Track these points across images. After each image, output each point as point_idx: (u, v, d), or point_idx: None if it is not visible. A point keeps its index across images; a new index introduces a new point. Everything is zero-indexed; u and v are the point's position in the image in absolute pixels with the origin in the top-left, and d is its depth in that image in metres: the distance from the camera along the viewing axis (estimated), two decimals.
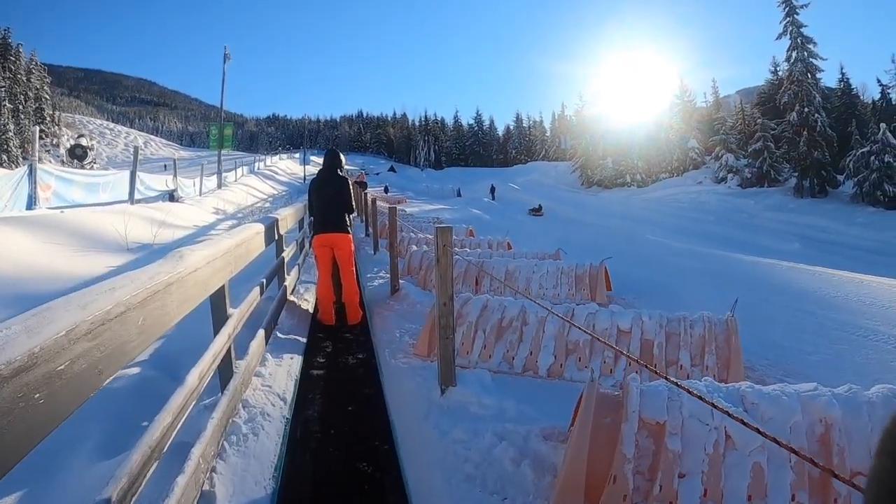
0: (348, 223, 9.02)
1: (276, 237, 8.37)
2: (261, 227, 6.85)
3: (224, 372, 4.79)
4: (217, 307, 4.74)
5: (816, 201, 48.78)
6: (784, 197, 51.33)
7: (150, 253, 12.74)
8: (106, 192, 19.24)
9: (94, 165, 55.94)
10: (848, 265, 23.08)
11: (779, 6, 54.50)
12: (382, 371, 6.54)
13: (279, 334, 7.40)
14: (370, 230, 19.15)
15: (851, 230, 39.88)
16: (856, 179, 46.39)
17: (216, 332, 4.51)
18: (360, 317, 8.87)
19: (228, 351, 4.73)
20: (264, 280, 7.01)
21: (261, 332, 6.14)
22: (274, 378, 5.79)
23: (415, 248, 12.90)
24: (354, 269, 9.25)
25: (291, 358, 6.70)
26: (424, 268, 11.14)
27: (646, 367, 2.78)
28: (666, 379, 2.53)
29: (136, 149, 22.63)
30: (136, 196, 21.13)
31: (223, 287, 4.68)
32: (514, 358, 6.24)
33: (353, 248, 9.12)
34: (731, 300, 6.39)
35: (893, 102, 61.07)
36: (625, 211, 52.52)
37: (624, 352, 3.52)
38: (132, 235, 13.85)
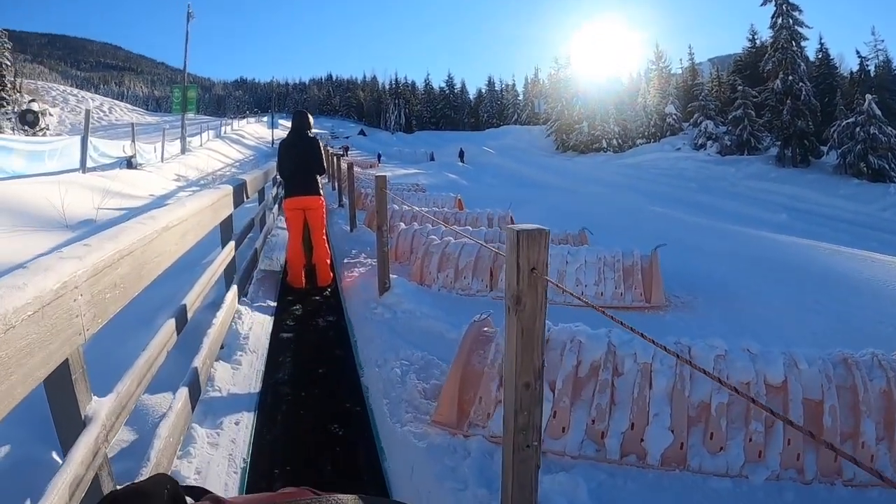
0: (320, 185, 8.87)
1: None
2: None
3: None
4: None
5: (799, 171, 48.50)
6: (765, 165, 50.98)
7: (91, 230, 10.42)
8: (53, 161, 16.96)
9: (47, 132, 52.53)
10: (837, 238, 23.04)
11: None
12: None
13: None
14: (344, 200, 16.53)
15: (835, 201, 39.57)
16: (840, 150, 46.32)
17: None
18: (331, 279, 8.86)
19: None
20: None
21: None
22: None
23: (402, 225, 10.42)
24: (325, 231, 9.24)
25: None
26: (419, 253, 8.63)
27: (828, 445, 1.64)
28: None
29: (87, 112, 20.78)
30: (90, 164, 18.80)
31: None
32: (605, 434, 3.84)
33: (324, 211, 9.12)
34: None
35: (872, 74, 61.09)
36: (605, 177, 51.37)
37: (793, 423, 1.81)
38: (77, 209, 12.26)
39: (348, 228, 12.60)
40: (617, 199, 30.29)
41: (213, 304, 5.75)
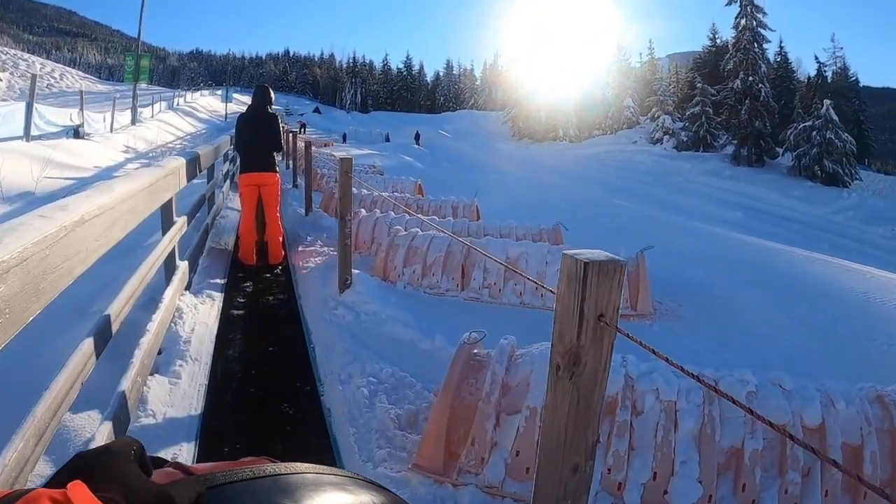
0: (276, 162, 8.82)
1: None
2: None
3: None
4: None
5: (754, 170, 49.11)
6: (721, 163, 51.40)
7: (28, 203, 10.52)
8: None
9: None
10: (791, 239, 23.31)
11: None
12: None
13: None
14: (299, 181, 15.70)
15: (789, 202, 40.29)
16: (795, 153, 47.00)
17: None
18: (282, 257, 8.83)
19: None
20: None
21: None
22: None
23: (363, 212, 9.58)
24: (279, 209, 9.19)
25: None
26: (384, 245, 7.81)
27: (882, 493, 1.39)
28: None
29: (33, 77, 19.55)
30: (34, 132, 17.72)
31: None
32: (623, 486, 3.23)
33: (279, 188, 9.10)
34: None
35: (829, 80, 62.56)
36: (562, 166, 51.10)
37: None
38: (15, 179, 11.86)
39: (303, 211, 11.78)
40: (577, 190, 30.09)
41: (151, 301, 5.03)
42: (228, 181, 13.40)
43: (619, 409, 3.38)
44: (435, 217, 10.02)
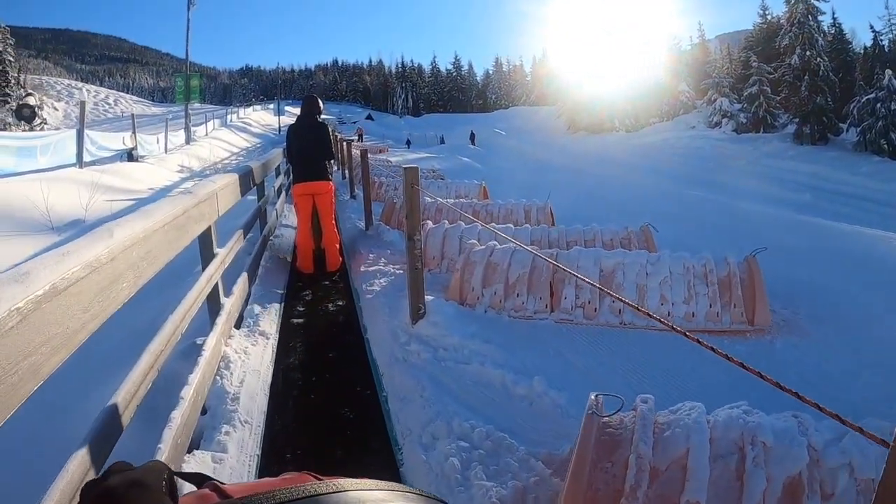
0: (329, 170, 8.96)
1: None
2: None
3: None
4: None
5: (817, 148, 46.78)
6: (783, 143, 49.26)
7: (79, 231, 10.03)
8: (46, 156, 15.98)
9: (45, 126, 51.19)
10: (866, 219, 21.55)
11: None
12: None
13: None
14: (357, 191, 14.97)
15: (856, 180, 37.71)
16: (860, 127, 44.76)
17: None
18: (340, 263, 8.91)
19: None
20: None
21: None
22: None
23: (429, 223, 8.60)
24: (334, 215, 9.30)
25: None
26: (458, 264, 6.79)
27: None
28: None
29: (82, 103, 19.32)
30: (88, 158, 17.92)
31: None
32: None
33: (333, 196, 9.26)
34: None
35: (886, 49, 59.47)
36: (621, 158, 49.07)
37: None
38: (66, 208, 11.58)
39: (363, 225, 10.92)
40: (643, 181, 28.81)
41: (192, 348, 4.32)
42: (283, 195, 12.75)
43: (805, 495, 2.44)
44: (510, 225, 8.94)
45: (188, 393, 3.41)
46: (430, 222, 8.63)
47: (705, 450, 2.58)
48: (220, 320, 4.67)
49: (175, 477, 0.67)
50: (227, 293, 5.30)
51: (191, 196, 4.06)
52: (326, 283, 8.24)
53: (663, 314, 5.89)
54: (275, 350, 5.46)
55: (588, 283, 3.13)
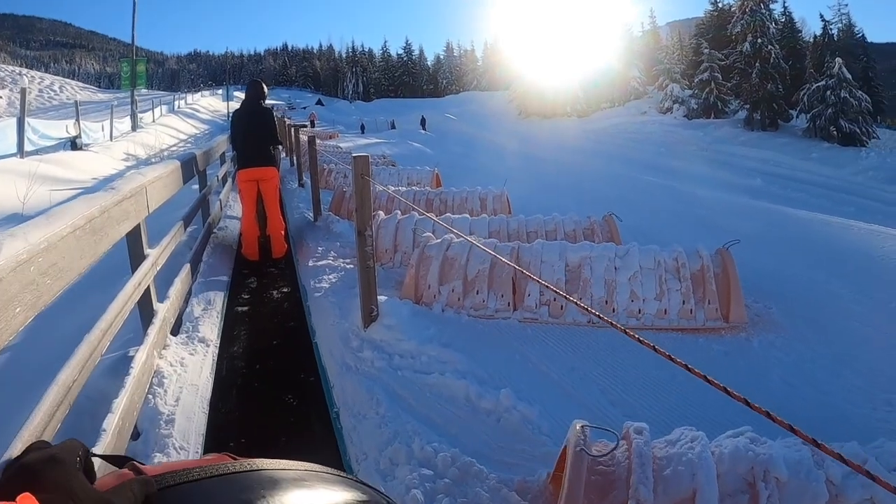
0: (274, 156, 8.89)
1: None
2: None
3: (145, 312, 4.40)
4: (133, 246, 4.30)
5: (768, 135, 48.20)
6: (734, 129, 50.54)
7: (17, 224, 8.93)
8: None
9: None
10: (817, 204, 22.70)
11: None
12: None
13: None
14: (305, 179, 14.16)
15: (807, 165, 39.35)
16: (810, 114, 46.13)
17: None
18: (285, 250, 8.89)
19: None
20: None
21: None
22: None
23: (381, 214, 8.12)
24: (279, 202, 9.32)
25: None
26: (413, 259, 6.26)
27: None
28: None
29: (23, 90, 18.90)
30: (29, 147, 17.28)
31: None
32: None
33: (278, 182, 9.29)
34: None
35: (835, 38, 60.99)
36: (574, 143, 49.53)
37: None
38: (4, 200, 11.27)
39: (311, 216, 10.42)
40: (597, 166, 28.63)
41: (123, 361, 3.84)
42: (228, 183, 12.23)
43: None
44: (466, 215, 8.43)
45: (112, 422, 3.00)
46: (381, 213, 8.15)
47: (714, 490, 2.22)
48: (153, 330, 4.19)
49: (91, 457, 0.65)
50: (163, 297, 4.81)
51: (112, 193, 3.55)
52: (273, 279, 7.70)
53: (634, 311, 5.56)
54: (215, 359, 4.92)
55: (553, 289, 2.73)
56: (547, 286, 2.80)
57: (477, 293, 5.76)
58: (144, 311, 4.36)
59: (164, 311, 4.59)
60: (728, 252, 5.84)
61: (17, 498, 0.49)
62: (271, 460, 0.67)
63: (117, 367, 3.87)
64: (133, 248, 4.24)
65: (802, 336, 5.53)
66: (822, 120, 44.46)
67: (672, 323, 5.48)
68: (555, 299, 5.60)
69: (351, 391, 4.21)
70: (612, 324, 2.12)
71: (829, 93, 44.48)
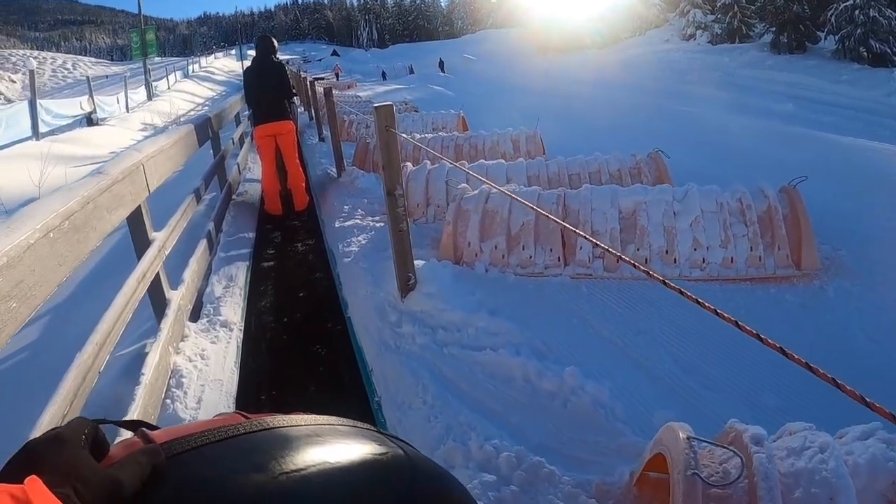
0: (289, 110, 8.85)
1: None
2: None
3: (157, 301, 3.96)
4: (136, 232, 3.87)
5: (795, 57, 45.79)
6: (760, 53, 48.23)
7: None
8: None
9: None
10: (851, 128, 20.75)
11: None
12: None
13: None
14: (324, 133, 13.53)
15: (837, 88, 36.77)
16: (838, 35, 43.39)
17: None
18: (307, 202, 8.93)
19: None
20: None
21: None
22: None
23: (409, 165, 7.44)
24: (298, 154, 9.28)
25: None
26: (450, 216, 5.65)
27: None
28: None
29: (31, 72, 19.63)
30: (44, 129, 17.48)
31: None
32: None
33: (296, 135, 9.24)
34: None
35: None
36: (596, 76, 47.75)
37: None
38: (20, 185, 11.24)
39: (335, 171, 9.82)
40: (626, 99, 27.63)
41: (135, 361, 3.49)
42: (246, 144, 11.78)
43: None
44: (501, 161, 7.78)
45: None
46: (409, 164, 7.54)
47: None
48: (166, 323, 3.73)
49: (100, 430, 0.60)
50: (176, 282, 4.34)
51: (98, 178, 3.03)
52: (299, 243, 7.27)
53: (697, 261, 5.01)
54: (240, 345, 4.46)
55: (603, 247, 2.25)
56: (598, 244, 2.31)
57: (523, 249, 5.23)
58: (156, 300, 3.93)
59: (179, 298, 4.12)
60: (796, 190, 5.25)
61: (25, 480, 0.47)
62: (284, 416, 0.64)
63: (132, 367, 3.48)
64: (136, 233, 3.79)
65: (878, 282, 4.96)
66: (852, 41, 41.76)
67: (740, 272, 4.95)
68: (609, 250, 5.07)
69: (393, 375, 3.73)
70: (663, 281, 1.89)
71: (857, 12, 41.70)
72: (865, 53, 40.47)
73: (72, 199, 2.61)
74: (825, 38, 45.40)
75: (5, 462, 0.54)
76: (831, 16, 43.41)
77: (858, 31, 41.04)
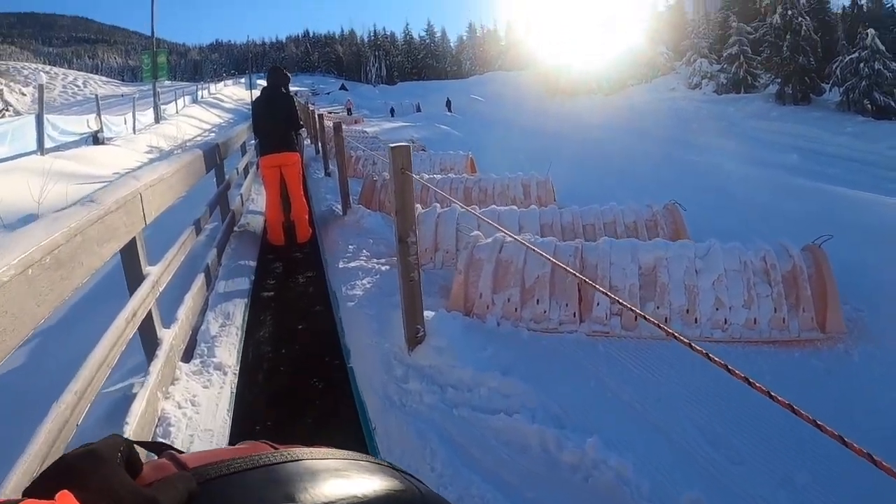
0: (296, 142, 8.88)
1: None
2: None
3: (147, 340, 3.75)
4: (130, 266, 3.64)
5: (800, 109, 47.08)
6: (766, 104, 49.48)
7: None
8: (4, 145, 15.24)
9: (6, 113, 50.04)
10: (855, 180, 21.54)
11: None
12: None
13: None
14: (331, 168, 13.46)
15: (841, 139, 37.62)
16: (843, 87, 44.76)
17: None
18: (310, 234, 8.95)
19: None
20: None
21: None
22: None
23: (418, 207, 7.09)
24: (303, 187, 9.34)
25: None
26: (462, 264, 5.39)
27: None
28: None
29: (40, 87, 19.02)
30: (49, 144, 17.18)
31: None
32: None
33: (301, 167, 9.35)
34: None
35: (865, 9, 58.70)
36: (602, 120, 49.04)
37: None
38: (21, 200, 11.13)
39: (340, 208, 9.64)
40: (634, 146, 27.81)
41: (121, 403, 3.28)
42: (251, 175, 11.62)
43: None
44: (513, 207, 7.52)
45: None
46: (418, 206, 7.31)
47: None
48: (156, 366, 3.48)
49: (134, 448, 0.59)
50: (170, 321, 4.08)
51: (89, 208, 2.79)
52: (300, 283, 6.98)
53: (719, 322, 4.77)
54: (233, 391, 4.18)
55: (622, 303, 2.04)
56: (619, 301, 2.09)
57: (537, 302, 4.96)
58: (147, 340, 3.68)
59: (171, 338, 3.87)
60: (821, 250, 5.02)
61: (56, 496, 0.46)
62: (310, 449, 0.62)
63: (115, 412, 3.25)
64: (129, 268, 3.54)
65: None
66: (856, 93, 43.21)
67: (763, 335, 4.69)
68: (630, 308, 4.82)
69: (397, 436, 3.47)
70: (689, 344, 1.80)
71: (862, 65, 43.17)
72: (869, 106, 41.59)
73: (57, 230, 2.39)
74: (830, 90, 46.59)
75: (38, 475, 0.51)
76: (836, 68, 44.60)
77: (863, 83, 42.28)
